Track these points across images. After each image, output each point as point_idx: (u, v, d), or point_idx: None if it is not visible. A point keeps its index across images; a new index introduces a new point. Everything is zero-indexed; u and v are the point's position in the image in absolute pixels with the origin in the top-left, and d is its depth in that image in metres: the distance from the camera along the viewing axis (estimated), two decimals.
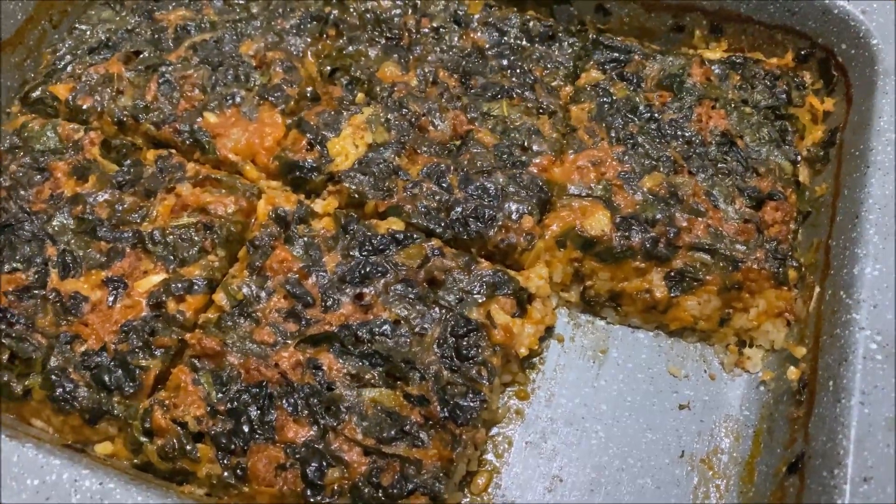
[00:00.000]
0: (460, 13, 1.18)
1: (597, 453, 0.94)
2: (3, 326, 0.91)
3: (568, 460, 0.94)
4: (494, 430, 0.96)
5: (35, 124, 1.06)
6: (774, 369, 0.97)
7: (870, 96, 0.99)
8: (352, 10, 1.18)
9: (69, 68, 1.12)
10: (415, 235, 0.98)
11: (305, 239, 0.98)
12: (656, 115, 1.08)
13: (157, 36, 1.15)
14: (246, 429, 0.86)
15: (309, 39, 1.15)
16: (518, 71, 1.13)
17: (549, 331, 1.01)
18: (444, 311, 0.93)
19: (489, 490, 0.92)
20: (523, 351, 0.96)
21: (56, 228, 0.98)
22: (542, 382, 0.99)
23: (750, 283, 0.97)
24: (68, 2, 1.18)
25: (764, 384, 0.97)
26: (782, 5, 1.10)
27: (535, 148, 1.06)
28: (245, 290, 0.94)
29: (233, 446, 0.85)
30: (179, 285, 0.94)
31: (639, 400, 0.98)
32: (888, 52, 1.00)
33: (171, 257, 0.96)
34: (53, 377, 0.88)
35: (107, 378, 0.88)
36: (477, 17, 1.18)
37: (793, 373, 0.92)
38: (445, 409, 0.87)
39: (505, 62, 1.14)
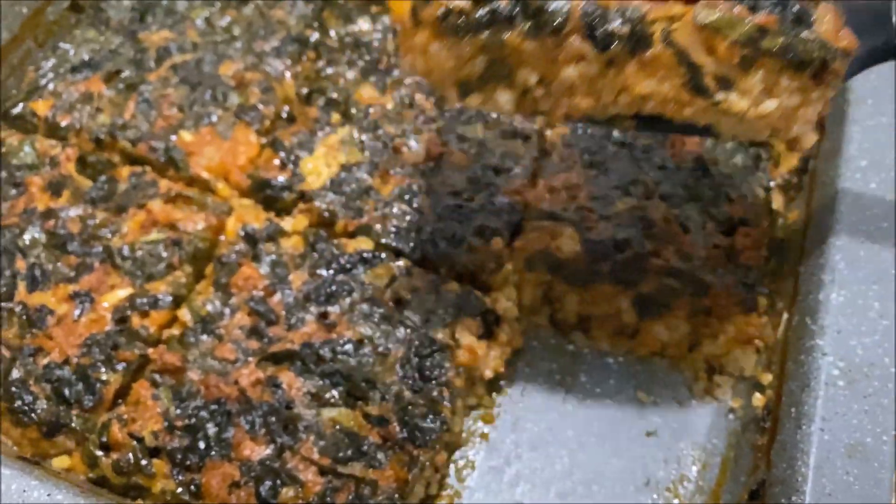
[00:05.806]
0: None
1: (561, 479, 0.93)
2: None
3: (531, 486, 0.92)
4: (458, 454, 0.94)
5: (13, 139, 1.08)
6: (743, 396, 0.95)
7: (841, 124, 0.98)
8: (332, 33, 1.19)
9: (51, 86, 1.13)
10: (383, 255, 0.98)
11: (273, 257, 0.98)
12: (630, 140, 1.08)
13: (139, 56, 1.16)
14: (202, 445, 0.85)
15: (289, 61, 1.16)
16: None
17: (517, 354, 1.00)
18: (408, 330, 0.93)
19: None
20: (489, 374, 0.95)
21: (27, 242, 0.99)
22: (507, 406, 0.98)
23: (719, 309, 0.96)
24: (54, 22, 1.20)
25: (732, 411, 0.96)
26: None
27: (508, 170, 1.06)
28: (209, 306, 0.94)
29: (188, 462, 0.84)
30: (144, 300, 0.94)
31: (605, 426, 0.96)
32: (860, 81, 1.00)
33: (139, 273, 0.96)
34: (13, 389, 0.88)
35: (67, 391, 0.88)
36: None
37: (758, 399, 0.91)
38: (405, 430, 0.86)
39: None
